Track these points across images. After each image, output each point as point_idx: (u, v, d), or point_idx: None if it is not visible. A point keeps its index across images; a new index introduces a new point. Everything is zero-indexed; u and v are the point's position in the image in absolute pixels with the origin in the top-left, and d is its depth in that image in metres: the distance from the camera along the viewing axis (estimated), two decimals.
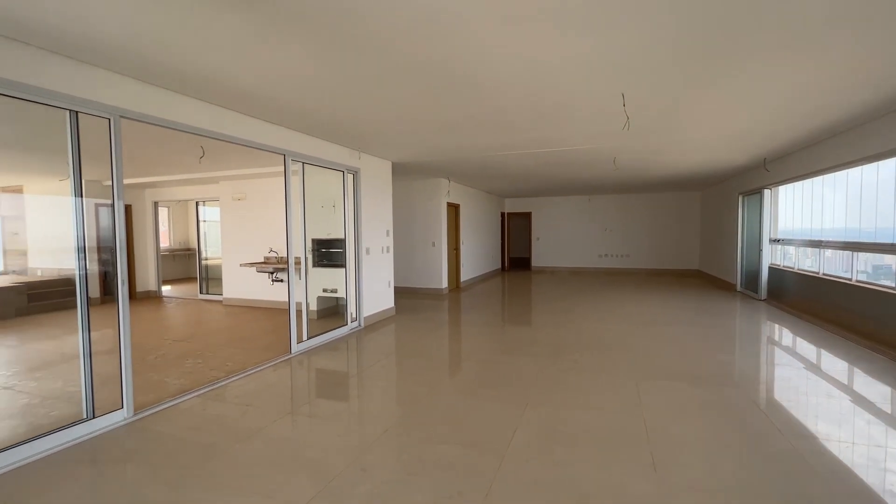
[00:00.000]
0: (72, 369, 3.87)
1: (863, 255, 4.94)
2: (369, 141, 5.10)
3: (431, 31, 2.32)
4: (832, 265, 5.68)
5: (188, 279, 10.95)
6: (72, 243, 2.73)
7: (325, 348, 4.72)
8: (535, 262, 13.24)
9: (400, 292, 8.09)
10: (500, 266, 13.09)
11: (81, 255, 2.75)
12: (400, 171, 7.29)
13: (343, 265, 5.62)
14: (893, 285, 4.34)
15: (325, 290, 6.02)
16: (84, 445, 2.56)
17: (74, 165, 2.66)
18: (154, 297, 8.47)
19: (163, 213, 10.36)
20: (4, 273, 7.34)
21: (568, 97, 3.40)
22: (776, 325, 5.53)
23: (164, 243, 10.79)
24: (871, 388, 3.35)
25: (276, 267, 6.93)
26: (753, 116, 4.07)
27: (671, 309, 6.71)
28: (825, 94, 3.42)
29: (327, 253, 5.87)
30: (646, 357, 4.19)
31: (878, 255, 4.72)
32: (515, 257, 14.52)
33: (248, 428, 2.77)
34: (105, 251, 4.77)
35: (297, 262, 4.70)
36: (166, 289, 9.35)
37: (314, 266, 5.87)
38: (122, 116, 2.85)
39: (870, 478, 2.12)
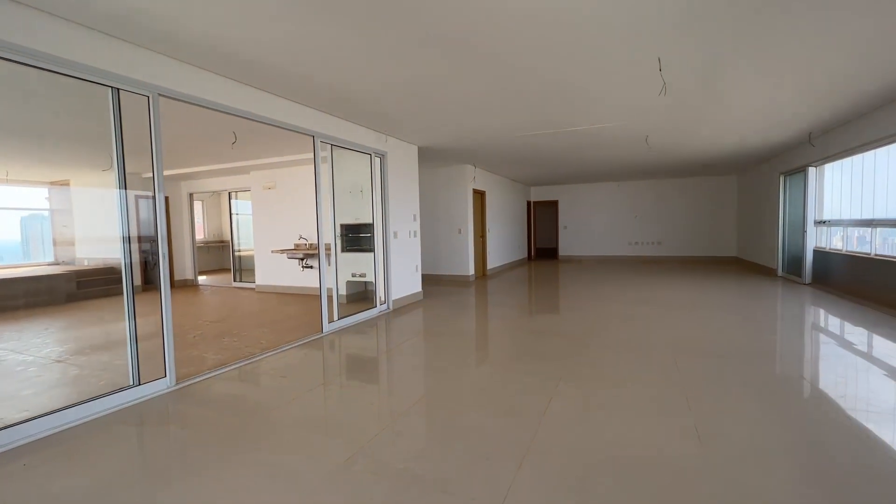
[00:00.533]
0: (118, 348, 4.06)
1: None
2: (396, 123, 5.10)
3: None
4: (885, 244, 5.32)
5: (222, 270, 11.30)
6: (116, 233, 2.84)
7: (355, 328, 4.77)
8: (563, 251, 13.02)
9: (427, 279, 8.10)
10: (526, 255, 12.94)
11: (126, 244, 2.87)
12: (426, 157, 7.28)
13: (371, 250, 5.67)
14: None
15: (353, 275, 6.09)
16: (131, 409, 2.67)
17: (117, 145, 2.76)
18: (191, 286, 8.79)
19: (197, 206, 10.73)
20: (56, 263, 7.79)
21: (601, 62, 3.29)
22: (822, 308, 5.25)
23: (199, 235, 11.18)
24: None
25: (305, 253, 7.06)
26: (802, 76, 3.83)
27: (708, 294, 6.46)
28: (887, 44, 3.18)
29: (356, 238, 5.92)
30: (683, 337, 4.04)
31: None
32: (541, 247, 14.33)
33: (285, 396, 2.83)
34: (145, 241, 4.97)
35: (328, 248, 4.77)
36: (202, 278, 9.69)
37: (343, 251, 5.94)
38: (160, 94, 2.94)
39: None
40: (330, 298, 4.69)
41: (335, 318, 4.77)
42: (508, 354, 3.68)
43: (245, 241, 9.09)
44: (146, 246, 5.22)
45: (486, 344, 4.16)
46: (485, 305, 6.09)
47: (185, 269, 8.98)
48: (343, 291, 6.09)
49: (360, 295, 6.31)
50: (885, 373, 3.01)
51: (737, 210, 11.10)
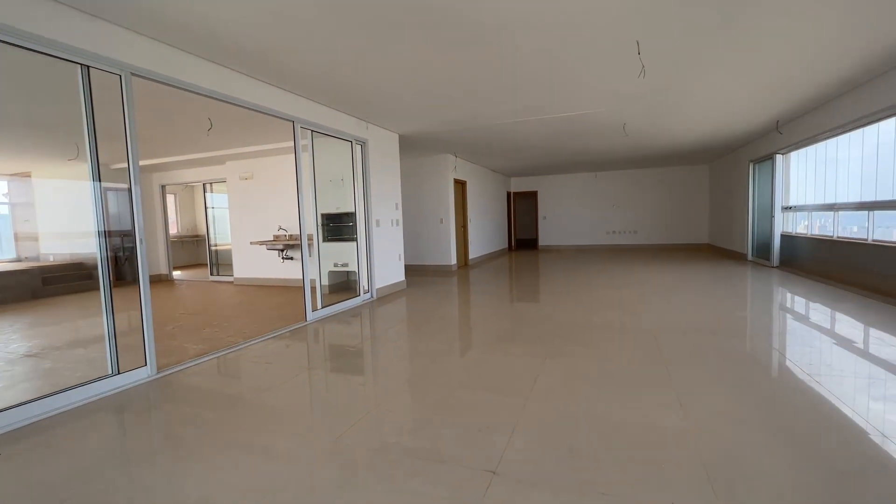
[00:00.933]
0: (92, 343, 3.92)
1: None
2: (377, 109, 5.05)
3: None
4: (847, 228, 5.61)
5: (197, 265, 11.00)
6: (83, 228, 2.73)
7: (339, 317, 4.74)
8: (542, 241, 13.19)
9: (409, 269, 8.09)
10: (507, 245, 13.06)
11: (103, 238, 2.76)
12: (407, 146, 7.24)
13: (353, 239, 5.62)
14: None
15: (336, 265, 6.03)
16: (112, 398, 2.59)
17: (89, 130, 2.63)
18: (165, 280, 8.54)
19: (170, 200, 10.39)
20: (18, 260, 7.43)
21: (582, 45, 3.34)
22: (789, 288, 5.50)
23: (172, 230, 10.84)
24: (883, 339, 3.33)
25: (285, 244, 6.94)
26: (773, 64, 3.98)
27: (683, 278, 6.68)
28: (853, 35, 3.33)
29: (337, 227, 5.86)
30: (662, 316, 4.18)
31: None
32: (522, 238, 14.47)
33: (272, 381, 2.80)
34: (115, 235, 4.78)
35: (310, 238, 4.71)
36: (176, 273, 9.41)
37: (325, 241, 5.87)
38: (133, 74, 2.83)
39: (857, 408, 2.12)
40: (313, 288, 4.64)
41: (319, 306, 4.73)
42: (494, 338, 3.73)
43: (222, 236, 8.87)
44: (116, 241, 5.05)
45: (471, 329, 4.20)
46: (468, 293, 6.13)
47: (159, 264, 8.70)
48: (325, 282, 6.02)
49: (343, 285, 6.26)
50: (844, 344, 3.19)
51: (709, 198, 11.46)
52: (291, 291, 6.43)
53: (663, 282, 6.30)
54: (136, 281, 2.95)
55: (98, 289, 2.73)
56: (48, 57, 2.45)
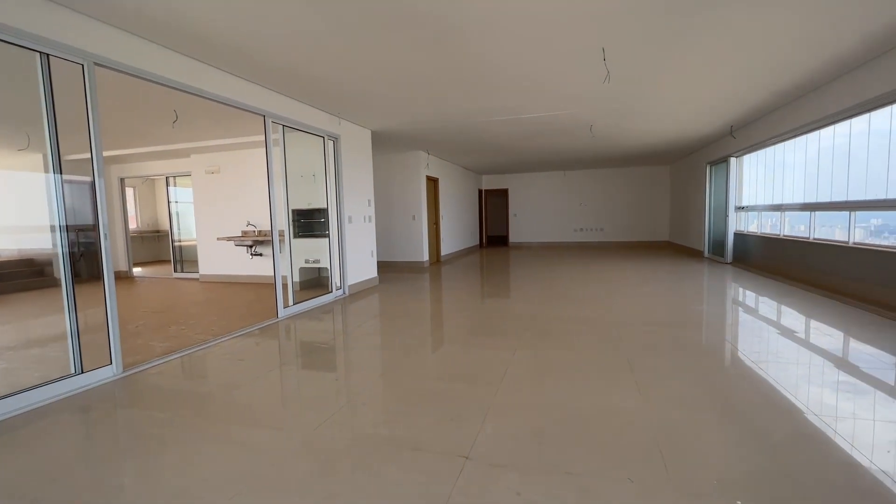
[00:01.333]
0: (50, 342, 3.76)
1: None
2: (350, 105, 5.04)
3: None
4: (793, 228, 6.05)
5: (159, 261, 10.60)
6: (35, 222, 2.63)
7: (311, 314, 4.72)
8: (513, 237, 13.44)
9: (382, 265, 8.10)
10: (478, 242, 13.23)
11: (64, 233, 2.67)
12: (380, 143, 7.24)
13: (325, 235, 5.60)
14: (846, 240, 4.68)
15: (307, 261, 5.98)
16: (76, 398, 2.52)
17: (49, 121, 2.54)
18: (126, 278, 8.19)
19: (129, 193, 9.94)
20: None
21: (552, 50, 3.46)
22: (741, 282, 5.88)
23: (132, 225, 10.39)
24: (820, 330, 3.65)
25: (255, 240, 6.81)
26: (726, 74, 4.25)
27: (645, 274, 7.01)
28: (794, 48, 3.61)
29: (309, 223, 5.81)
30: (624, 310, 4.39)
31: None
32: (493, 235, 14.69)
33: (244, 378, 2.79)
34: (72, 230, 4.55)
35: (280, 234, 4.66)
36: (137, 270, 9.05)
37: (296, 237, 5.81)
38: (96, 63, 2.74)
39: (795, 390, 2.35)
40: (284, 284, 4.61)
41: (290, 303, 4.70)
42: (465, 331, 3.83)
43: (186, 232, 8.59)
44: (72, 236, 4.81)
45: (443, 324, 4.29)
46: (440, 289, 6.22)
47: (119, 261, 8.34)
48: (297, 278, 5.96)
49: (315, 281, 6.21)
50: (787, 334, 3.48)
51: (669, 197, 12.00)
52: (261, 288, 6.33)
53: (626, 278, 6.59)
54: (93, 278, 2.86)
55: (52, 286, 2.64)
56: (3, 44, 2.35)
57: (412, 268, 8.46)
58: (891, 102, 3.88)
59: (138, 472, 1.74)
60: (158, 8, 2.62)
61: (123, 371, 2.90)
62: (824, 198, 5.14)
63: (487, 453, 1.80)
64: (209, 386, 2.72)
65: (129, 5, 2.58)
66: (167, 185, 8.77)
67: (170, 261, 8.52)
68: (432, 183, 9.31)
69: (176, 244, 8.51)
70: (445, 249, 9.96)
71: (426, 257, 8.69)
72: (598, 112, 5.59)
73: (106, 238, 2.83)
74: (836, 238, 4.96)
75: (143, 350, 3.42)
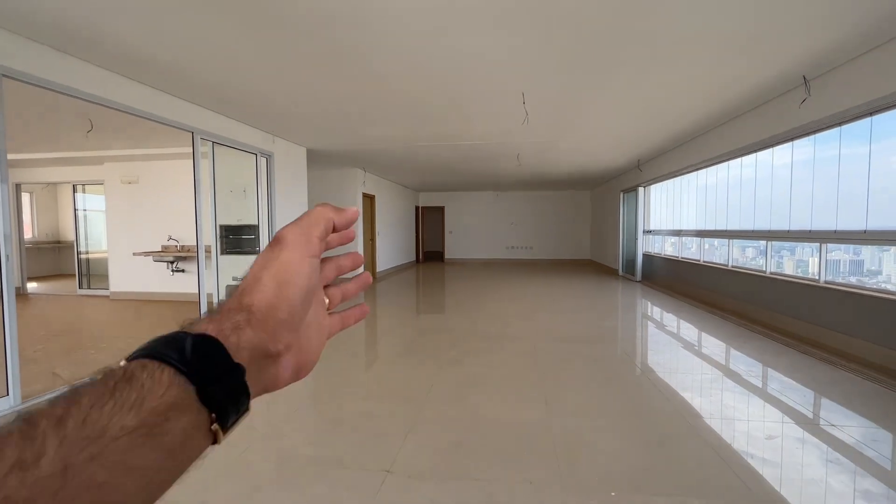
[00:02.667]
0: None
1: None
2: (284, 124, 5.06)
3: (354, 19, 2.52)
4: (690, 251, 6.94)
5: (60, 275, 9.57)
6: None
7: None
8: (449, 254, 13.81)
9: None
10: (415, 258, 13.43)
11: None
12: (315, 159, 7.23)
13: (255, 252, 5.48)
14: (725, 263, 5.50)
15: (235, 279, 5.79)
16: None
17: None
18: (19, 295, 7.32)
19: (24, 199, 8.93)
20: None
21: (478, 92, 3.80)
22: (647, 299, 6.61)
23: (27, 234, 9.32)
24: (709, 340, 4.28)
25: (177, 255, 6.46)
26: (629, 119, 4.88)
27: (566, 291, 7.60)
28: (682, 101, 4.26)
29: (237, 240, 5.66)
30: (544, 326, 4.79)
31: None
32: (429, 250, 14.97)
33: None
34: None
35: (207, 250, 4.53)
36: (32, 285, 8.12)
37: (223, 254, 5.63)
38: (4, 76, 2.59)
39: (684, 394, 2.81)
40: (210, 302, 4.46)
41: None
42: (395, 351, 3.98)
43: (94, 244, 7.88)
44: None
45: (374, 343, 4.40)
46: (373, 306, 6.30)
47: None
48: (223, 296, 5.75)
49: None
50: (686, 346, 4.03)
51: (590, 220, 13.07)
52: (182, 306, 6.00)
53: (549, 294, 7.11)
54: None
55: None
56: None
57: None
58: (761, 149, 4.70)
59: None
60: (79, 23, 2.56)
61: (22, 402, 2.69)
62: (711, 226, 5.99)
63: (408, 466, 1.96)
64: None
65: (45, 18, 2.49)
66: (74, 191, 8.02)
67: (74, 275, 7.75)
68: (369, 200, 9.39)
69: (82, 257, 7.77)
70: (381, 265, 10.03)
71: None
72: (522, 144, 6.08)
73: (7, 260, 2.64)
74: (718, 261, 5.80)
75: (45, 378, 3.17)
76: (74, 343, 4.16)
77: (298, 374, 0.33)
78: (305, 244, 0.32)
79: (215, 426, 0.25)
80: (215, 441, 0.25)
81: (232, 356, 0.26)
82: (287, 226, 0.32)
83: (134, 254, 6.60)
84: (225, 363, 0.25)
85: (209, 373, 0.24)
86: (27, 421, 0.19)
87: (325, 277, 0.37)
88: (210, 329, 0.26)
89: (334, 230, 0.35)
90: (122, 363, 0.24)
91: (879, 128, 3.27)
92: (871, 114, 3.25)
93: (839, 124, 3.56)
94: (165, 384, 0.23)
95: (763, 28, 2.69)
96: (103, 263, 7.16)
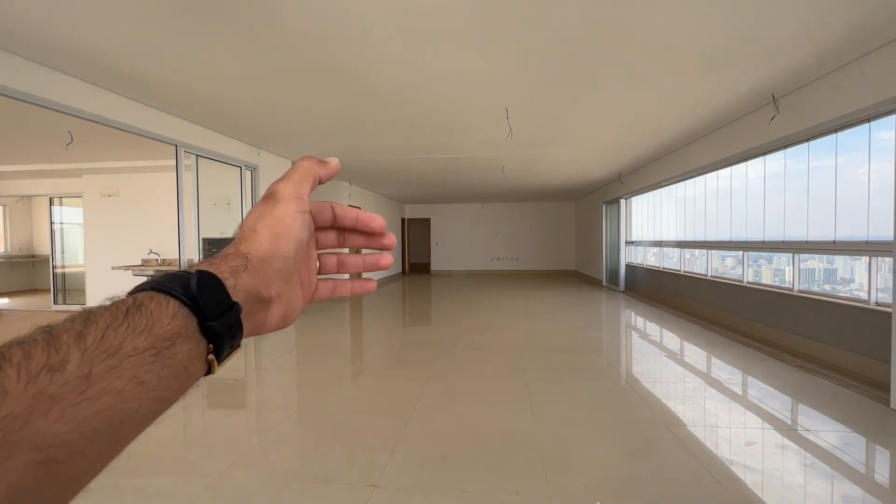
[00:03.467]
0: None
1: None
2: (269, 137, 5.06)
3: (341, 38, 2.56)
4: (672, 261, 7.09)
5: (34, 290, 9.28)
6: None
7: None
8: (435, 265, 13.83)
9: None
10: (401, 270, 13.40)
11: None
12: None
13: None
14: (705, 273, 5.64)
15: None
16: None
17: None
18: None
19: None
20: None
21: (462, 108, 3.87)
22: (630, 308, 6.71)
23: (0, 248, 9.04)
24: (691, 349, 4.36)
25: (157, 269, 6.33)
26: (609, 133, 5.02)
27: (551, 301, 7.67)
28: (659, 117, 4.41)
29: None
30: (529, 337, 4.83)
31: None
32: (416, 262, 14.96)
33: None
34: None
35: (190, 264, 4.46)
36: (3, 301, 7.86)
37: None
38: None
39: (666, 402, 2.86)
40: None
41: None
42: (382, 364, 3.96)
43: (71, 257, 7.68)
44: None
45: (360, 356, 4.37)
46: (360, 319, 6.26)
47: None
48: None
49: None
50: (669, 355, 4.11)
51: (574, 231, 13.26)
52: None
53: (534, 305, 7.17)
54: None
55: None
56: None
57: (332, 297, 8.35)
58: (735, 163, 4.87)
59: None
60: (60, 36, 2.55)
61: None
62: (690, 237, 6.15)
63: (395, 480, 1.95)
64: None
65: (24, 30, 2.47)
66: (51, 204, 7.83)
67: (49, 290, 7.53)
68: None
69: (58, 271, 7.56)
70: (367, 277, 9.98)
71: None
72: (508, 157, 6.19)
73: None
74: (698, 271, 5.95)
75: None
76: None
77: (284, 322, 0.34)
78: (297, 200, 0.34)
79: (211, 356, 0.27)
80: (209, 371, 0.28)
81: (230, 296, 0.28)
82: (279, 181, 0.35)
83: (113, 268, 6.45)
84: (224, 300, 0.28)
85: (210, 308, 0.26)
86: (49, 333, 0.21)
87: (326, 245, 0.41)
88: (211, 270, 0.29)
89: (320, 183, 0.37)
90: (127, 295, 0.26)
91: (844, 143, 3.45)
92: (835, 130, 3.42)
93: (807, 140, 3.73)
94: (171, 314, 0.25)
95: (733, 50, 2.83)
96: (80, 278, 6.99)
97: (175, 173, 4.15)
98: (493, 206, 13.46)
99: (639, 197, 8.24)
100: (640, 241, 8.21)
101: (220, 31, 2.50)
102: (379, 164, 6.78)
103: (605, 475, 1.98)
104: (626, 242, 8.75)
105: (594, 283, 10.42)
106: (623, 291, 8.63)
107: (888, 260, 2.99)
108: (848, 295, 3.58)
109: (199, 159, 4.60)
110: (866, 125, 3.18)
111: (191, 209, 4.51)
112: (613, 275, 9.22)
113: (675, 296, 6.36)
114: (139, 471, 2.08)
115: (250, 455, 2.21)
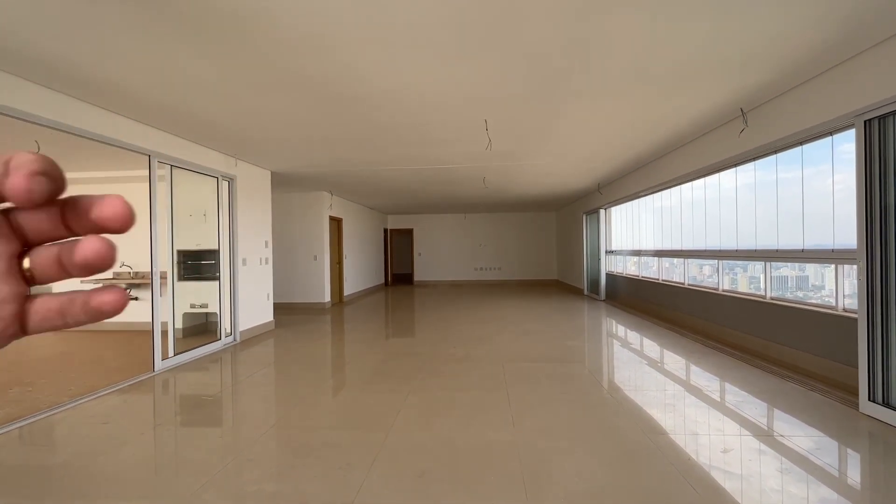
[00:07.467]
0: None
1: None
2: (248, 148, 4.99)
3: (317, 48, 2.55)
4: (651, 270, 7.21)
5: None
6: None
7: (196, 364, 4.38)
8: (418, 276, 13.77)
9: (280, 307, 7.76)
10: (383, 281, 13.30)
11: None
12: (280, 182, 7.13)
13: (215, 278, 5.29)
14: (682, 281, 5.75)
15: (193, 306, 5.54)
16: None
17: None
18: None
19: None
20: None
21: (441, 117, 3.89)
22: (611, 317, 6.78)
23: None
24: (670, 356, 4.42)
25: (129, 282, 6.13)
26: (586, 145, 5.11)
27: (533, 311, 7.70)
28: (633, 129, 4.51)
29: (196, 265, 5.44)
30: (512, 347, 4.82)
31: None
32: (398, 273, 14.88)
33: (109, 443, 2.53)
34: None
35: (163, 276, 4.33)
36: None
37: (180, 280, 5.39)
38: None
39: (646, 409, 2.88)
40: (165, 333, 4.24)
41: (170, 353, 4.31)
42: (362, 377, 3.89)
43: None
44: None
45: (341, 369, 4.29)
46: (341, 332, 6.17)
47: None
48: (180, 325, 5.47)
49: (201, 328, 5.75)
50: (649, 363, 4.14)
51: (556, 240, 13.40)
52: (136, 336, 5.67)
53: (516, 314, 7.19)
54: None
55: None
56: None
57: (313, 309, 8.23)
58: (708, 174, 5.01)
59: None
60: (22, 45, 2.47)
61: None
62: (668, 246, 6.28)
63: (371, 498, 1.90)
64: (64, 456, 2.41)
65: None
66: None
67: None
68: (336, 223, 9.30)
69: None
70: (349, 289, 9.87)
71: (328, 298, 8.54)
72: (488, 168, 6.24)
73: None
74: (676, 280, 6.06)
75: None
76: (8, 379, 3.83)
77: None
78: None
79: None
80: None
81: None
82: None
83: (82, 281, 6.22)
84: None
85: None
86: None
87: (41, 233, 0.28)
88: None
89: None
90: None
91: (810, 155, 3.58)
92: (800, 143, 3.56)
93: (775, 152, 3.87)
94: None
95: (702, 66, 2.92)
96: (46, 289, 6.70)
97: (148, 184, 4.04)
98: (476, 216, 13.53)
99: (618, 207, 8.40)
100: (620, 251, 8.34)
101: (193, 40, 2.46)
102: (360, 175, 6.75)
103: (584, 486, 1.96)
104: (607, 252, 8.88)
105: (576, 292, 10.52)
106: (604, 300, 8.73)
107: (854, 267, 3.10)
108: (818, 302, 3.69)
109: (174, 169, 4.50)
110: (829, 138, 3.32)
111: (164, 220, 4.39)
112: (594, 284, 9.32)
113: (655, 304, 6.45)
114: (104, 495, 1.98)
115: (223, 475, 2.13)
